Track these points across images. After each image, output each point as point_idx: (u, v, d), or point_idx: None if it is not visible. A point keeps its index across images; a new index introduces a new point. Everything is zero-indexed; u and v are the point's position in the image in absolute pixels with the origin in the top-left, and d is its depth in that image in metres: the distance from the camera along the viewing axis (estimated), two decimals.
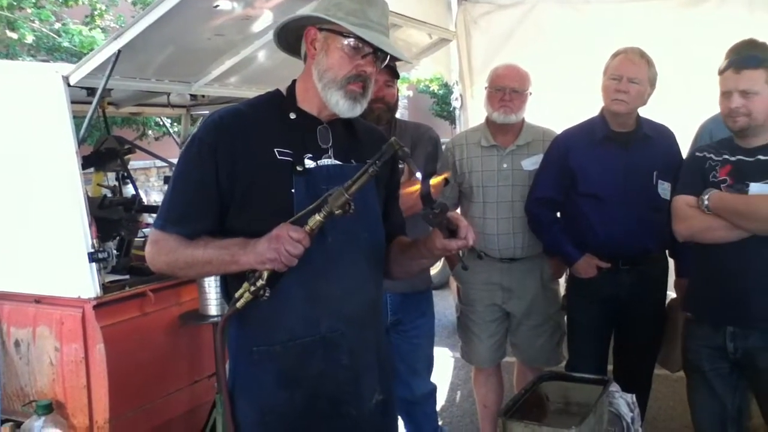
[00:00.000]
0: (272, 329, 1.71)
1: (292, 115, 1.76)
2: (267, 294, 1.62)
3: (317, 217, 1.57)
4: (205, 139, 1.69)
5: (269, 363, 1.72)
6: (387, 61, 1.75)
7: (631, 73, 2.87)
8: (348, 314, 1.74)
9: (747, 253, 2.42)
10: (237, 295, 1.65)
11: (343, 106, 1.70)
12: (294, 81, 1.81)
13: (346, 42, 1.68)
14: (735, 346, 2.46)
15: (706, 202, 2.44)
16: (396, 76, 2.99)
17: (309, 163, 1.71)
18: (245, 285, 1.63)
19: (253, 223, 1.65)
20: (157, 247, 1.72)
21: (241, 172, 1.68)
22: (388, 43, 1.71)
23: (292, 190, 1.67)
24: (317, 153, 1.74)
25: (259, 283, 1.61)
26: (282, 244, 1.55)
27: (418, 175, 1.61)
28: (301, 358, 1.72)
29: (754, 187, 2.42)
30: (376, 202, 1.82)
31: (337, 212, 1.56)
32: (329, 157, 1.75)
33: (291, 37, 1.80)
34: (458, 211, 3.39)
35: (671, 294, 3.19)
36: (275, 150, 1.70)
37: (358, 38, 1.66)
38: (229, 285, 1.75)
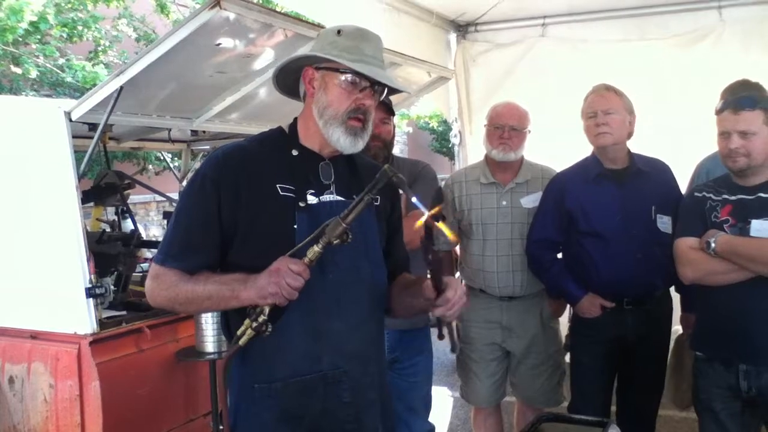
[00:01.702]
0: (274, 365, 1.69)
1: (295, 152, 1.77)
2: (269, 329, 1.61)
3: (316, 248, 1.58)
4: (209, 175, 1.70)
5: (270, 400, 1.70)
6: (385, 93, 1.77)
7: (602, 106, 2.89)
8: (350, 351, 1.73)
9: (756, 292, 2.40)
10: (239, 332, 1.64)
11: (345, 143, 1.71)
12: (296, 119, 1.83)
13: (343, 77, 1.70)
14: (748, 384, 2.43)
15: (713, 245, 2.41)
16: (391, 113, 3.01)
17: (311, 199, 1.72)
18: (247, 321, 1.62)
19: (254, 259, 1.64)
20: (158, 281, 1.71)
21: (243, 208, 1.68)
22: (385, 75, 1.73)
23: (295, 226, 1.67)
24: (319, 189, 1.75)
25: (261, 318, 1.60)
26: (282, 278, 1.55)
27: (414, 199, 1.60)
28: (302, 395, 1.70)
29: (756, 224, 2.40)
30: (378, 238, 1.82)
31: (335, 242, 1.57)
32: (331, 193, 1.76)
33: (289, 79, 1.82)
34: (458, 248, 3.39)
35: (678, 329, 3.14)
36: (278, 186, 1.70)
37: (355, 72, 1.68)
38: (230, 321, 1.74)
